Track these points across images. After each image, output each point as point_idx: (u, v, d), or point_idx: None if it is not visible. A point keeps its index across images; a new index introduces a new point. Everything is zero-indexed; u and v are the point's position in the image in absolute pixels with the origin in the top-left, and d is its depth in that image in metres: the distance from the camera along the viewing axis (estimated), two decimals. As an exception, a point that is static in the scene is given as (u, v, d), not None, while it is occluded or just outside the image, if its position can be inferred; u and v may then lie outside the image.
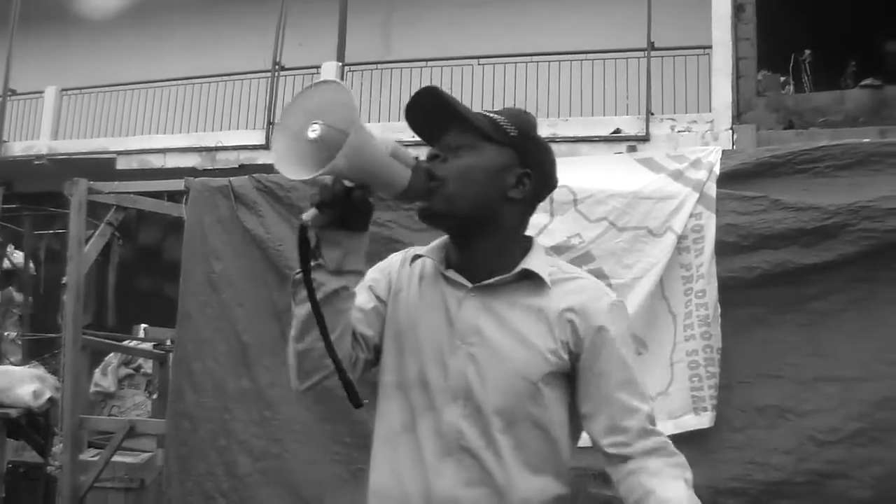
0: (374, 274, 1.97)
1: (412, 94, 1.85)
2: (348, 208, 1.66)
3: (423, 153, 1.87)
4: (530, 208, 1.96)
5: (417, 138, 1.92)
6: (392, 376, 1.91)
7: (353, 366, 1.88)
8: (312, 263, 1.71)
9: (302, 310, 1.75)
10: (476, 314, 1.85)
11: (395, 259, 2.02)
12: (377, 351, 1.94)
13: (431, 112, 1.85)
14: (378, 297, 1.95)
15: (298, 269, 1.72)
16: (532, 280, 1.87)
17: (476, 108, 1.91)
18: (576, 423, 1.90)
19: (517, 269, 1.86)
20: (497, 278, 1.86)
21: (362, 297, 1.90)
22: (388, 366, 1.92)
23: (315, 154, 1.62)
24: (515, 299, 1.86)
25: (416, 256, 1.97)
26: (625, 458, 1.83)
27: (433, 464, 1.82)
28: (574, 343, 1.84)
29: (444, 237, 1.94)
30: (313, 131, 1.61)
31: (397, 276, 1.97)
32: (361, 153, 1.61)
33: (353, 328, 1.86)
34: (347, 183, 1.65)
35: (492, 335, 1.83)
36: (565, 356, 1.84)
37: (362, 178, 1.66)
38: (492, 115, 1.88)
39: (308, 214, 1.65)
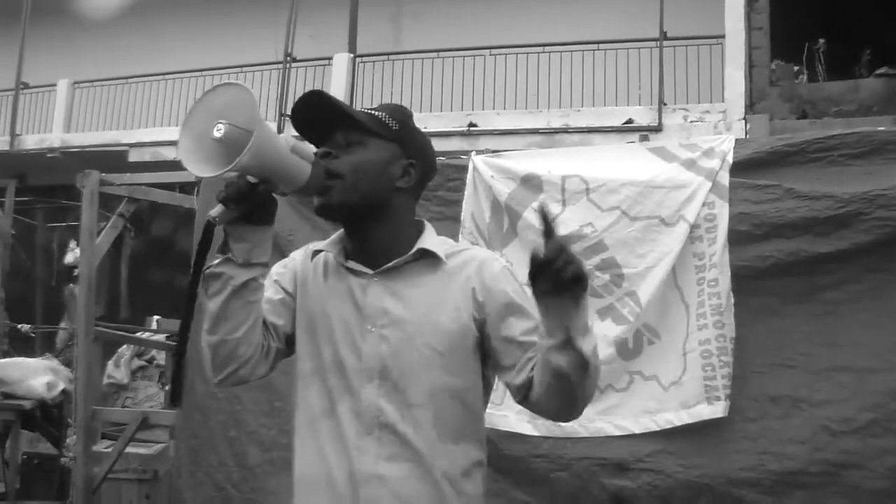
0: (278, 269, 2.06)
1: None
2: (254, 204, 1.77)
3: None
4: (416, 195, 2.07)
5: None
6: (308, 364, 1.98)
7: (265, 355, 1.96)
8: (221, 258, 1.81)
9: (214, 303, 1.84)
10: (381, 297, 1.94)
11: (296, 254, 2.10)
12: (288, 341, 2.02)
13: (317, 113, 1.95)
14: (285, 290, 2.03)
15: (209, 265, 1.83)
16: (429, 258, 1.97)
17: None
18: (486, 387, 2.02)
19: (414, 250, 1.96)
20: (396, 261, 1.95)
21: (269, 290, 1.99)
22: (303, 355, 2.00)
23: (220, 152, 1.70)
24: (416, 278, 1.96)
25: (317, 252, 2.05)
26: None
27: (354, 443, 1.89)
28: (476, 308, 1.94)
29: (340, 231, 2.03)
30: (218, 130, 1.69)
31: (301, 269, 2.05)
32: (265, 150, 1.70)
33: (264, 318, 1.95)
34: (252, 179, 1.74)
35: (399, 314, 1.93)
36: (471, 323, 1.94)
37: (266, 174, 1.74)
38: (373, 112, 1.99)
39: (215, 211, 1.75)
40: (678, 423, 3.40)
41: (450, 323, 1.92)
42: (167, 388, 6.95)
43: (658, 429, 3.40)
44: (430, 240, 2.00)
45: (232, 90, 1.75)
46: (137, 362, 8.05)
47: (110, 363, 7.94)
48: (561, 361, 1.74)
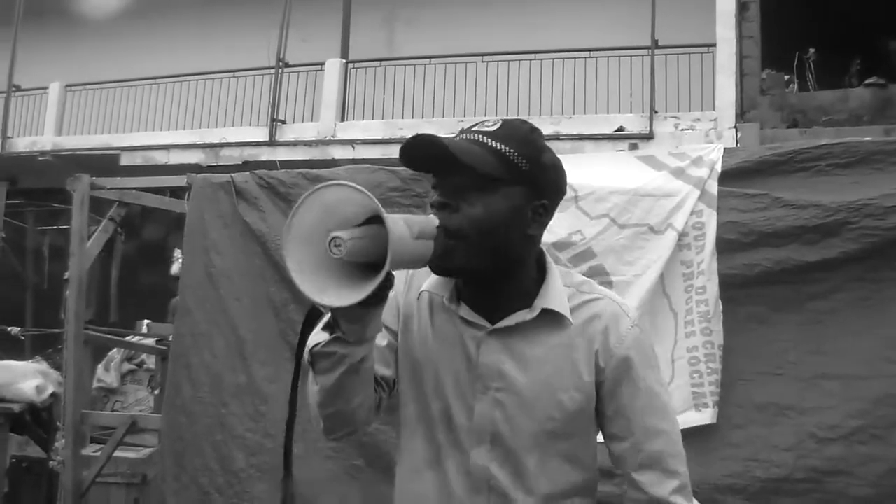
0: None
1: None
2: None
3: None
4: (543, 232, 1.82)
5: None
6: (412, 408, 1.86)
7: (377, 409, 1.84)
8: (330, 336, 1.61)
9: (326, 380, 1.67)
10: (498, 357, 1.78)
11: (397, 281, 1.75)
12: (395, 384, 1.89)
13: (430, 153, 1.67)
14: (389, 329, 1.85)
15: (317, 343, 1.64)
16: (552, 314, 1.78)
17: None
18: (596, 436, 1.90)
19: (538, 311, 1.77)
20: (517, 321, 1.77)
21: None
22: (406, 400, 1.87)
23: (335, 261, 1.51)
24: (536, 337, 1.78)
25: (421, 290, 1.86)
26: (650, 501, 1.80)
27: (462, 499, 1.80)
28: (598, 372, 1.79)
29: None
30: (337, 247, 1.48)
31: (405, 304, 1.87)
32: (399, 255, 1.50)
33: (374, 375, 1.79)
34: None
35: (516, 379, 1.77)
36: (591, 389, 1.79)
37: (394, 268, 1.53)
38: (497, 146, 1.68)
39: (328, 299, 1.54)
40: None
41: (572, 390, 1.77)
42: (156, 392, 6.93)
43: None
44: (555, 293, 1.78)
45: (338, 191, 1.52)
46: (127, 366, 8.04)
47: (100, 367, 7.93)
48: None
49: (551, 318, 1.78)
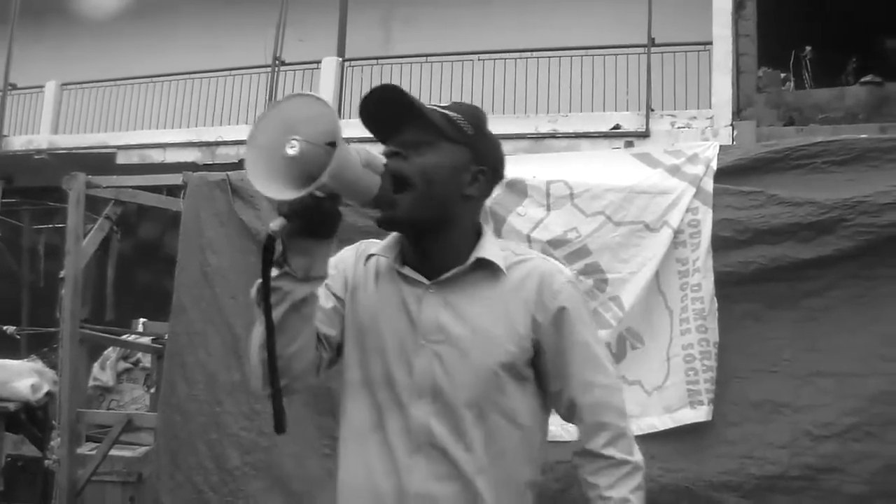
0: (329, 270, 1.87)
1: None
2: (318, 217, 1.66)
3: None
4: (482, 203, 1.98)
5: None
6: (356, 374, 1.92)
7: (316, 367, 1.90)
8: (278, 272, 1.71)
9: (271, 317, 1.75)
10: (436, 311, 1.87)
11: (347, 255, 2.01)
12: (339, 349, 1.96)
13: (387, 108, 1.84)
14: (336, 296, 1.95)
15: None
16: (487, 269, 1.89)
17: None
18: (545, 406, 1.96)
19: (471, 260, 1.88)
20: (453, 271, 1.87)
21: (321, 297, 1.87)
22: (351, 364, 1.93)
23: (290, 168, 1.61)
24: (473, 291, 1.88)
25: (370, 255, 1.98)
26: (582, 454, 1.91)
27: (404, 461, 1.84)
28: (534, 328, 1.88)
29: (396, 234, 1.95)
30: (291, 147, 1.59)
31: (353, 273, 1.97)
32: (344, 169, 1.60)
33: (317, 330, 1.87)
34: (318, 193, 1.61)
35: (454, 331, 1.85)
36: (527, 343, 1.87)
37: (339, 190, 1.66)
38: (447, 112, 1.88)
39: (276, 223, 1.64)
40: (662, 428, 3.40)
41: (507, 343, 1.85)
42: (152, 390, 6.93)
43: (641, 433, 3.40)
44: (489, 247, 1.91)
45: (305, 102, 1.63)
46: (123, 364, 8.04)
47: (96, 365, 7.93)
48: None
49: (487, 273, 1.89)
